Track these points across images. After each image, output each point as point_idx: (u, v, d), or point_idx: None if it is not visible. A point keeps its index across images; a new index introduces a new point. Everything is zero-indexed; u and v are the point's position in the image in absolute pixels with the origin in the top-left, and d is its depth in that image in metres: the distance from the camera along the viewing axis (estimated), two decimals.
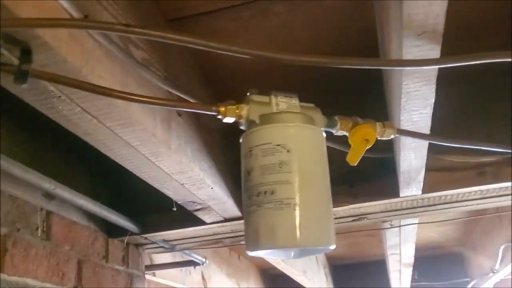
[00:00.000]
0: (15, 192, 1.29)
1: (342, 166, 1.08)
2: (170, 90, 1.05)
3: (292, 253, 0.87)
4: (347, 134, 0.95)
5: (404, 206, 1.68)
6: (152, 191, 1.39)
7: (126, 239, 1.71)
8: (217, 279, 3.19)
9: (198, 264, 2.28)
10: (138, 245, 1.90)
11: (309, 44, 1.31)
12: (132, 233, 1.71)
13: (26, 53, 0.72)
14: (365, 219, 1.81)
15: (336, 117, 0.95)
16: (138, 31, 0.71)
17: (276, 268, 2.91)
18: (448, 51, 0.86)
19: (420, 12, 0.74)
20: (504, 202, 1.73)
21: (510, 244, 3.17)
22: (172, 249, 1.96)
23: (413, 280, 3.98)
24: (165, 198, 1.45)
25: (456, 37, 1.15)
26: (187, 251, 2.11)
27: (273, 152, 0.82)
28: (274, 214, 0.79)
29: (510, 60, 0.79)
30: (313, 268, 3.60)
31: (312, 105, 0.93)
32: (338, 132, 0.96)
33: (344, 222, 1.80)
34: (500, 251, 3.35)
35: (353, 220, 1.78)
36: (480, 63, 0.82)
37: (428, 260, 4.47)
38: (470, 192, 1.61)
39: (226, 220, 1.65)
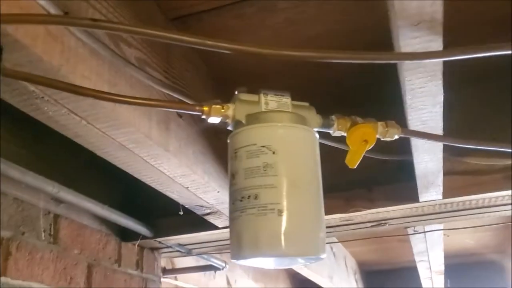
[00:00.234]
0: (21, 196, 1.28)
1: (359, 170, 1.01)
2: (162, 90, 1.00)
3: (280, 261, 0.81)
4: (345, 134, 0.88)
5: (426, 212, 1.59)
6: (165, 195, 1.35)
7: (137, 242, 1.69)
8: (244, 283, 3.15)
9: (218, 268, 2.24)
10: (153, 249, 1.87)
11: (318, 42, 1.25)
12: (144, 237, 1.69)
13: None
14: (387, 224, 1.73)
15: (333, 117, 0.88)
16: (107, 25, 0.67)
17: None
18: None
19: None
20: None
21: None
22: (188, 253, 1.93)
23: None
24: (177, 202, 1.42)
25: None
26: (205, 256, 2.07)
27: (257, 154, 0.76)
28: (257, 220, 0.74)
29: None
30: (340, 274, 3.50)
31: (306, 104, 0.86)
32: (335, 132, 0.89)
33: (363, 228, 1.72)
34: None
35: (372, 226, 1.70)
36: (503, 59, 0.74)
37: (464, 268, 4.30)
38: (497, 197, 1.51)
39: None
